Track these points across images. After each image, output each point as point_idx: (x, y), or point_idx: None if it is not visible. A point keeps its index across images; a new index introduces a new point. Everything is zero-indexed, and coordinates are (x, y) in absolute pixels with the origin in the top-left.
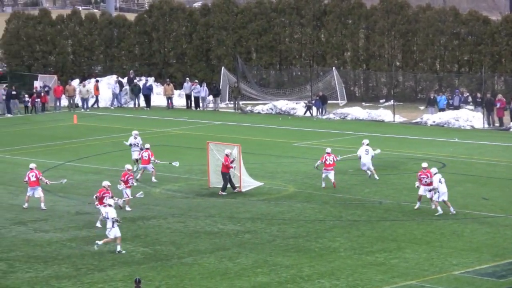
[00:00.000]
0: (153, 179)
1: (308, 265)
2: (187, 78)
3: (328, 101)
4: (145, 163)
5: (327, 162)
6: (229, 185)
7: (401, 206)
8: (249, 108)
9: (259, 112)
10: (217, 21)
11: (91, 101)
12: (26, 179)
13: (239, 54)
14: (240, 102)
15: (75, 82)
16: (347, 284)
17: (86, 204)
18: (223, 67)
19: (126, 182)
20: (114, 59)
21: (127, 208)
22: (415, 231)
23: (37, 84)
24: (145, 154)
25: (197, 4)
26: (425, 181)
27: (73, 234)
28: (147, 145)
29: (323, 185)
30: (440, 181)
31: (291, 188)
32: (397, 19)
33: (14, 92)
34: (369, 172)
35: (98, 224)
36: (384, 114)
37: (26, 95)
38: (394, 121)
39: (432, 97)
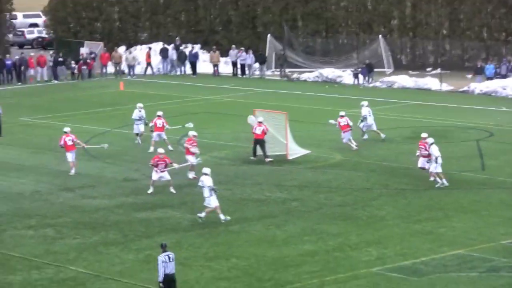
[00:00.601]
0: (170, 147)
1: (355, 233)
2: (233, 46)
3: (375, 69)
4: (159, 130)
5: (342, 124)
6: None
7: (448, 175)
8: (295, 75)
9: (305, 80)
10: None
11: (138, 68)
12: (62, 143)
13: (285, 21)
14: (286, 70)
15: (121, 49)
16: (394, 253)
17: (132, 170)
18: (269, 35)
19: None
20: (160, 26)
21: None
22: (462, 200)
23: (83, 51)
24: (159, 122)
25: None
26: (423, 153)
27: (120, 201)
28: (160, 112)
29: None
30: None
31: (337, 156)
32: None
33: (60, 59)
34: (382, 135)
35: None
36: (431, 82)
37: (73, 62)
38: (441, 89)
39: (479, 66)
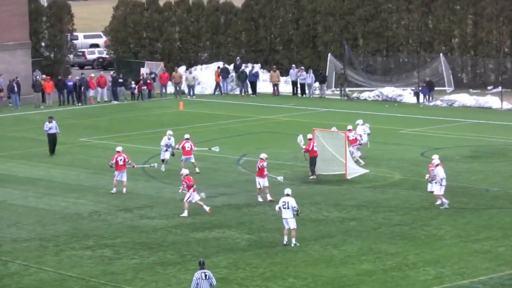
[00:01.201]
0: (197, 169)
1: (413, 252)
2: (293, 65)
3: (435, 88)
4: (188, 154)
5: (350, 138)
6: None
7: (508, 194)
8: (355, 94)
9: (365, 99)
10: (324, 7)
11: (198, 88)
12: (113, 162)
13: (346, 40)
14: (347, 89)
15: (182, 69)
16: (452, 272)
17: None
18: (329, 54)
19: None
20: (220, 46)
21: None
22: None
23: (144, 71)
24: (187, 145)
25: None
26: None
27: (178, 221)
28: (187, 136)
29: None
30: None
31: (397, 175)
32: (506, 5)
33: (120, 80)
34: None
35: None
36: (491, 101)
37: (133, 82)
38: (502, 108)
39: None
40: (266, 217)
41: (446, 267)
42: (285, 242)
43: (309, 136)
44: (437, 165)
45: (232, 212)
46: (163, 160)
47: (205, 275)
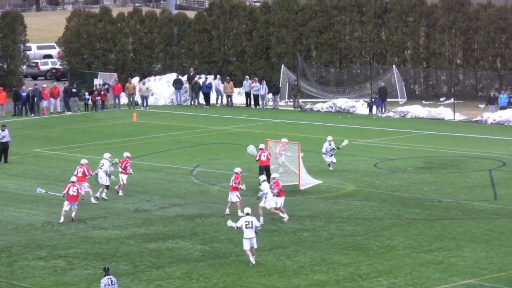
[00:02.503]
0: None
1: (366, 263)
2: (247, 76)
3: (388, 99)
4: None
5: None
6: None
7: (460, 205)
8: (308, 106)
9: (318, 110)
10: (277, 19)
11: (152, 99)
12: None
13: (299, 52)
14: (300, 100)
15: (135, 80)
16: (405, 283)
17: (144, 201)
18: (283, 65)
19: (124, 168)
20: (174, 57)
21: (120, 193)
22: (474, 230)
23: (97, 82)
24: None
25: (257, 2)
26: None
27: (131, 232)
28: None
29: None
30: None
31: (350, 186)
32: (458, 17)
33: (74, 90)
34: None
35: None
36: (444, 112)
37: (86, 93)
38: (454, 119)
39: (492, 95)
40: (219, 227)
41: (399, 277)
42: (253, 263)
43: (261, 145)
44: (263, 181)
45: (185, 222)
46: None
47: (111, 281)
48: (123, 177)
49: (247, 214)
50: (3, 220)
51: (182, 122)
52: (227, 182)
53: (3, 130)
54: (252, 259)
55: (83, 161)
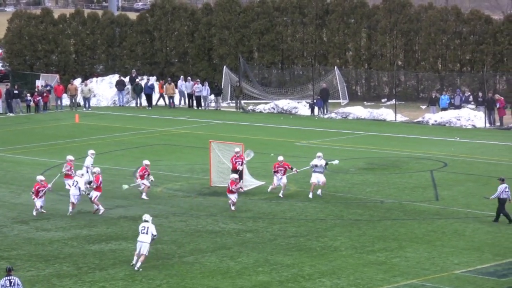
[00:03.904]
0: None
1: (309, 264)
2: (189, 78)
3: (330, 101)
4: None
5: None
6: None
7: (402, 206)
8: (251, 107)
9: (261, 111)
10: (219, 20)
11: (94, 100)
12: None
13: (241, 53)
14: (242, 101)
15: (77, 81)
16: (348, 283)
17: (87, 203)
18: (225, 66)
19: (142, 177)
20: (116, 58)
21: (144, 196)
22: (416, 230)
23: (39, 83)
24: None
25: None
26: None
27: (74, 233)
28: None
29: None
30: None
31: (292, 187)
32: (399, 18)
33: (16, 91)
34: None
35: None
36: (386, 113)
37: (28, 94)
38: (395, 120)
39: (434, 97)
40: (163, 229)
41: (342, 278)
42: (134, 262)
43: (236, 149)
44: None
45: (128, 224)
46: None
47: (10, 282)
48: (145, 182)
49: (145, 221)
50: None
51: (125, 123)
52: (170, 183)
53: None
54: (135, 259)
55: (69, 156)
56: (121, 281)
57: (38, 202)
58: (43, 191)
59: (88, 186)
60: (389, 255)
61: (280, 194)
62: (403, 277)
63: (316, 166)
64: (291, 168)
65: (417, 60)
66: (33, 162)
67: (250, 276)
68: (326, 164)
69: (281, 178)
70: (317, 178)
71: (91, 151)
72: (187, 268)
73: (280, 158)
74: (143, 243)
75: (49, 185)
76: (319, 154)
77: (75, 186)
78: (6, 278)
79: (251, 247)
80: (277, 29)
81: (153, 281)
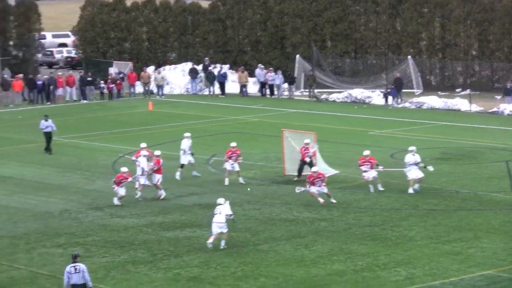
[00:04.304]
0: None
1: (384, 253)
2: (261, 65)
3: (404, 90)
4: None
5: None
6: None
7: (477, 196)
8: (324, 96)
9: (334, 100)
10: (292, 9)
11: (167, 88)
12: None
13: (314, 42)
14: (315, 90)
15: (150, 69)
16: (423, 273)
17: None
18: (298, 55)
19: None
20: (188, 46)
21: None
22: (492, 221)
23: (112, 70)
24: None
25: None
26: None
27: (149, 220)
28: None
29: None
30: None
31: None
32: (473, 8)
33: (89, 79)
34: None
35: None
36: (460, 103)
37: (102, 82)
38: (470, 110)
39: (508, 87)
40: (237, 217)
41: (417, 268)
42: (211, 241)
43: (306, 140)
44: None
45: (203, 211)
46: (182, 165)
47: (75, 269)
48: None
49: (220, 204)
50: (21, 207)
51: (198, 111)
52: (244, 171)
53: (46, 120)
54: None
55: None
56: (196, 268)
57: (122, 190)
58: (125, 182)
59: (150, 166)
60: (465, 246)
61: (380, 188)
62: (479, 267)
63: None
64: (377, 165)
65: (492, 50)
66: (107, 149)
67: (325, 264)
68: (419, 163)
69: (368, 172)
70: (415, 173)
71: (186, 134)
72: (261, 256)
73: (366, 152)
74: (219, 223)
75: (130, 178)
76: (412, 148)
77: (138, 166)
78: (72, 264)
79: (326, 235)
80: (350, 18)
81: (228, 269)
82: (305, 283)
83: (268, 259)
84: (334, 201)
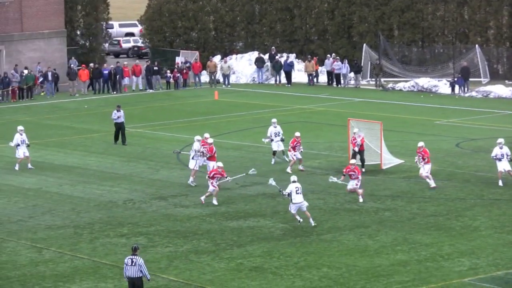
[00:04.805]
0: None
1: (448, 243)
2: (328, 55)
3: (471, 79)
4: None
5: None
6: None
7: None
8: (390, 85)
9: (400, 90)
10: None
11: (233, 77)
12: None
13: (381, 31)
14: (382, 79)
15: (217, 58)
16: (487, 263)
17: (224, 179)
18: (364, 44)
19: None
20: (255, 35)
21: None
22: None
23: (179, 60)
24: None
25: None
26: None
27: (212, 210)
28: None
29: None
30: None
31: (432, 166)
32: None
33: (156, 68)
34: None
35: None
36: None
37: (168, 71)
38: None
39: None
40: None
41: (481, 258)
42: (300, 219)
43: (355, 130)
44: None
45: (266, 201)
46: (274, 152)
47: (132, 261)
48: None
49: (295, 181)
50: (85, 197)
51: (264, 100)
52: (309, 160)
53: (118, 111)
54: (299, 218)
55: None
56: (259, 258)
57: (211, 187)
58: (219, 178)
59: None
60: None
61: (432, 184)
62: None
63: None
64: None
65: None
66: (172, 138)
67: (388, 254)
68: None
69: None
70: (503, 166)
71: (197, 137)
72: (324, 246)
73: (420, 144)
74: (302, 203)
75: (229, 178)
76: (500, 140)
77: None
78: (130, 257)
79: (390, 225)
80: (417, 6)
81: (291, 259)
82: (368, 273)
83: (331, 249)
84: (361, 200)
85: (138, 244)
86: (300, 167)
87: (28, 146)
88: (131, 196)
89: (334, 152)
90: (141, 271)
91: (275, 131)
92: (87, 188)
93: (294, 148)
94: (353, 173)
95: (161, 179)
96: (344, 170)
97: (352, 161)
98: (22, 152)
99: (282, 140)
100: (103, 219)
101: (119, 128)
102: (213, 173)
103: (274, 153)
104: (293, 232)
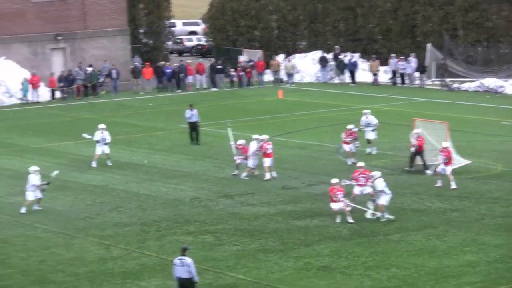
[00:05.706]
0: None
1: None
2: (393, 54)
3: None
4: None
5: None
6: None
7: None
8: (455, 85)
9: (466, 90)
10: None
11: (297, 77)
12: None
13: (446, 30)
14: (447, 79)
15: (280, 57)
16: None
17: (292, 178)
18: (429, 44)
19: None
20: (318, 35)
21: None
22: None
23: (242, 58)
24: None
25: None
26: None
27: (279, 209)
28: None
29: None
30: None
31: (499, 167)
32: None
33: (219, 67)
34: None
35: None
36: None
37: (232, 70)
38: None
39: None
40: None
41: None
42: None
43: (416, 130)
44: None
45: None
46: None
47: (181, 262)
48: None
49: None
50: (151, 195)
51: (329, 100)
52: (374, 160)
53: (191, 110)
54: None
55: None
56: (327, 257)
57: (357, 189)
58: (365, 177)
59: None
60: None
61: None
62: None
63: None
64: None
65: None
66: (237, 137)
67: (457, 255)
68: None
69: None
70: None
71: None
72: (392, 246)
73: (445, 144)
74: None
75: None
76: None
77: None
78: (179, 257)
79: (458, 226)
80: (482, 6)
81: (359, 258)
82: (436, 274)
83: (399, 249)
84: (372, 214)
85: (188, 245)
86: (351, 161)
87: (106, 144)
88: (197, 194)
89: (400, 152)
90: (189, 271)
91: (367, 121)
92: (153, 186)
93: (346, 140)
94: (362, 176)
95: (226, 177)
96: (353, 175)
97: (360, 164)
98: (100, 149)
99: (373, 130)
100: (170, 216)
101: (193, 127)
102: (356, 173)
103: (368, 141)
104: (360, 232)
